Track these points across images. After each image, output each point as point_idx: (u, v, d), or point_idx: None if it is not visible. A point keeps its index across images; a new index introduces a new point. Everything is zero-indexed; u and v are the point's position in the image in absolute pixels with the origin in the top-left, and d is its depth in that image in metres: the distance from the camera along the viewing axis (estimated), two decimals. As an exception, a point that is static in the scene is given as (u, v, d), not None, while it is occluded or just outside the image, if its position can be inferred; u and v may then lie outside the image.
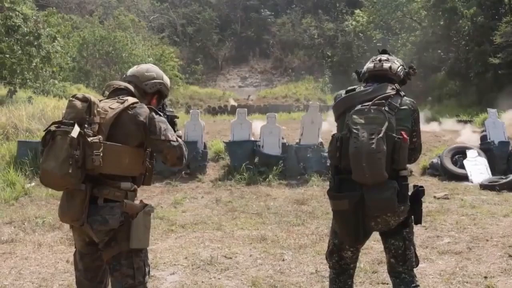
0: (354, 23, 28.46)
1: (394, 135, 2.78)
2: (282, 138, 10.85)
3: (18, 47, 16.42)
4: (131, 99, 2.81)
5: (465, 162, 10.39)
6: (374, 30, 27.68)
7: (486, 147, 10.84)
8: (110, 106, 2.76)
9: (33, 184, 9.40)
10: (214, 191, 9.24)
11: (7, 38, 16.06)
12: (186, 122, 11.46)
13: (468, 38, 21.86)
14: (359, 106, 2.87)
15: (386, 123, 2.75)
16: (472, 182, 9.79)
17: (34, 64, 17.14)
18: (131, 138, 2.75)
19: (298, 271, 4.76)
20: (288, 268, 4.86)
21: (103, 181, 2.70)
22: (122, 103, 2.77)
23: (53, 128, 2.64)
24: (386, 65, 3.04)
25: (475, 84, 20.74)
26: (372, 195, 2.75)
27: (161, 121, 2.81)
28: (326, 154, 10.53)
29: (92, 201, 2.68)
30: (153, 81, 2.98)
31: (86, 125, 2.63)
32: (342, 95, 3.09)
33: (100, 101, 2.84)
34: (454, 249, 5.36)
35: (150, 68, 3.03)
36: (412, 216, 2.98)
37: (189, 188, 9.65)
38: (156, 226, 6.35)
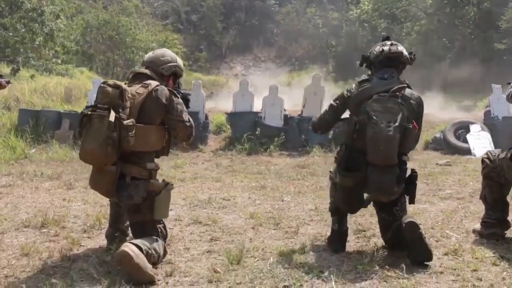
0: (358, 11, 28.27)
1: (405, 124, 3.10)
2: (284, 110, 10.76)
3: (21, 25, 16.34)
4: (153, 83, 3.18)
5: (468, 136, 10.31)
6: (379, 19, 27.49)
7: (489, 122, 10.75)
8: (136, 91, 3.13)
9: (33, 150, 9.34)
10: (214, 159, 9.17)
11: (9, 15, 15.98)
12: (187, 93, 11.38)
13: (474, 25, 21.69)
14: (376, 96, 3.18)
15: (400, 114, 3.08)
16: (474, 155, 9.69)
17: (37, 42, 17.05)
18: (155, 118, 3.15)
19: (297, 209, 4.70)
20: (287, 207, 4.80)
21: (132, 160, 3.10)
22: (146, 87, 3.14)
23: (88, 111, 3.00)
24: (399, 48, 3.36)
25: (480, 71, 20.59)
26: (375, 176, 3.08)
27: (179, 103, 3.23)
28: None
29: (120, 177, 3.08)
30: (168, 64, 3.34)
31: (120, 110, 2.99)
32: (356, 86, 3.38)
33: (125, 84, 3.19)
34: (456, 196, 5.30)
35: (164, 53, 3.41)
36: (406, 196, 3.33)
37: (189, 156, 9.59)
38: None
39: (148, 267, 2.85)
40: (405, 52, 3.39)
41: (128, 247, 2.81)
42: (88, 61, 24.41)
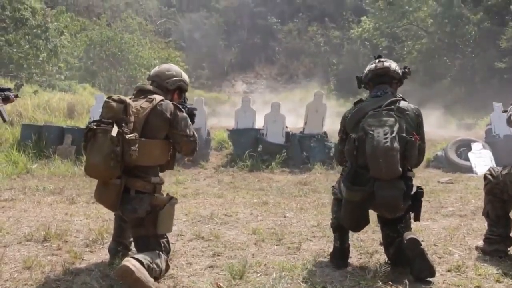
0: (360, 30, 28.50)
1: (405, 135, 3.13)
2: (286, 127, 10.80)
3: (26, 42, 16.52)
4: (158, 98, 3.21)
5: (469, 154, 10.31)
6: (380, 38, 27.70)
7: (491, 141, 10.76)
8: (141, 106, 3.16)
9: (35, 165, 9.33)
10: (216, 176, 9.17)
11: (14, 32, 16.18)
12: (190, 109, 11.42)
13: (474, 44, 21.89)
14: (371, 112, 3.23)
15: (397, 125, 3.11)
16: (476, 173, 9.67)
17: (41, 58, 17.20)
18: (159, 132, 3.17)
19: (299, 225, 4.69)
20: (289, 223, 4.79)
21: (136, 174, 3.11)
22: (150, 102, 3.17)
23: (93, 126, 3.03)
24: (386, 63, 3.41)
25: (481, 90, 20.71)
26: (382, 192, 3.07)
27: (183, 118, 3.23)
28: (330, 144, 10.50)
29: (125, 191, 3.10)
30: (173, 78, 3.37)
31: (123, 124, 3.00)
32: (352, 108, 3.44)
33: (130, 99, 3.21)
34: (459, 214, 5.29)
35: (170, 68, 3.44)
36: (412, 213, 3.31)
37: (191, 173, 9.58)
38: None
39: (150, 281, 2.84)
40: (394, 67, 3.42)
41: (130, 262, 2.81)
42: (91, 77, 24.56)
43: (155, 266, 2.97)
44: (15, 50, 16.44)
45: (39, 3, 17.24)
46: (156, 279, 3.01)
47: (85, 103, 15.65)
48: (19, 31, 15.95)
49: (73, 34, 22.63)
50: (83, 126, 11.58)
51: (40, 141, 10.35)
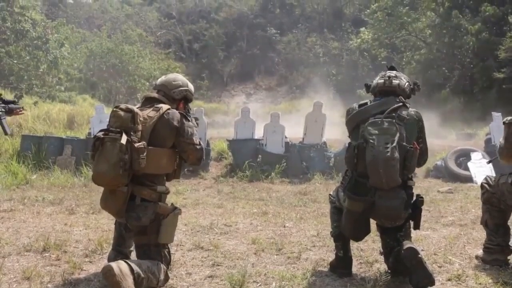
0: (359, 40, 28.61)
1: (405, 144, 3.11)
2: (286, 137, 10.80)
3: (26, 53, 16.60)
4: (164, 107, 3.24)
5: (469, 164, 10.30)
6: (379, 48, 27.79)
7: (490, 150, 10.75)
8: (148, 115, 3.19)
9: (35, 176, 9.33)
10: (216, 186, 9.16)
11: (14, 43, 16.27)
12: (190, 120, 11.43)
13: (473, 55, 22.00)
14: (372, 119, 3.19)
15: (398, 134, 3.08)
16: (476, 183, 9.65)
17: (41, 70, 17.28)
18: (166, 141, 3.19)
19: (299, 235, 4.69)
20: (289, 233, 4.79)
21: (143, 183, 3.13)
22: (157, 111, 3.20)
23: (101, 135, 3.05)
24: (395, 82, 3.35)
25: (480, 100, 20.74)
26: (383, 202, 3.07)
27: (189, 126, 3.25)
28: (329, 154, 10.50)
29: (130, 198, 3.11)
30: (179, 88, 3.40)
31: (132, 133, 3.04)
32: (355, 108, 3.41)
33: (137, 108, 3.24)
34: (459, 223, 5.28)
35: (176, 78, 3.49)
36: (411, 221, 3.30)
37: (191, 183, 9.57)
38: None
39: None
40: (403, 85, 3.36)
41: (118, 264, 2.79)
42: (91, 88, 24.64)
43: (150, 275, 2.95)
44: (15, 61, 16.53)
45: (39, 15, 17.34)
46: None
47: (85, 114, 15.67)
48: (20, 42, 16.04)
49: (73, 46, 22.73)
50: (83, 137, 11.59)
51: (40, 152, 10.36)
